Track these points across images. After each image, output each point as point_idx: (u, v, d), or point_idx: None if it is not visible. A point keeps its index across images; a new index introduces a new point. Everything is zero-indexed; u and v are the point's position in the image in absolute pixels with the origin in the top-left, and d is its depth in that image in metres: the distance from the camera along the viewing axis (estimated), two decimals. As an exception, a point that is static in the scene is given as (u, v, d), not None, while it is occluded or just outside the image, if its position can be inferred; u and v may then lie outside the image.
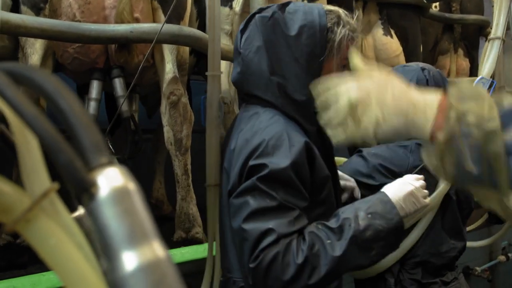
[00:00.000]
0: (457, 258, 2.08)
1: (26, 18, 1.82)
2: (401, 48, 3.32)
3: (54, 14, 2.21)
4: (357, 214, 1.30)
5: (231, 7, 2.68)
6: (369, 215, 1.30)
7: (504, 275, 3.80)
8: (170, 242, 2.44)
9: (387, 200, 1.36)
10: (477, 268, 3.35)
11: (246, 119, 1.45)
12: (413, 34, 3.43)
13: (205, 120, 1.76)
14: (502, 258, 3.69)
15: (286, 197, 1.27)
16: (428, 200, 1.48)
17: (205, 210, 2.76)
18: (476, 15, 3.99)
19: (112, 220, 0.36)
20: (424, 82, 2.00)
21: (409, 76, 2.02)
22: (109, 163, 0.37)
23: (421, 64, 2.10)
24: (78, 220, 0.39)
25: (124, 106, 2.36)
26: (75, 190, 0.36)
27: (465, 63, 4.11)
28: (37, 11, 2.17)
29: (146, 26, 2.13)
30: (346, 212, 1.32)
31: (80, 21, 2.18)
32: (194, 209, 2.49)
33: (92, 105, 2.37)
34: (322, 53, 1.42)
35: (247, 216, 1.27)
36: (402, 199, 1.38)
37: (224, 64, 2.73)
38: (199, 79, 3.60)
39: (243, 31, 1.48)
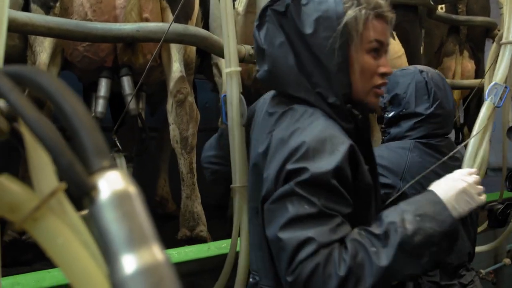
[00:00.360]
0: (471, 258, 2.06)
1: (32, 16, 1.83)
2: (403, 50, 3.32)
3: (66, 12, 2.23)
4: (403, 217, 1.16)
5: (233, 7, 2.68)
6: (418, 218, 1.16)
7: (509, 278, 3.79)
8: (174, 240, 2.45)
9: (437, 201, 1.22)
10: (482, 271, 3.35)
11: (278, 115, 1.33)
12: (414, 35, 3.43)
13: (227, 119, 1.71)
14: (507, 261, 3.68)
15: (327, 204, 1.15)
16: (484, 197, 1.31)
17: (209, 209, 2.77)
18: (483, 17, 3.98)
19: (112, 223, 0.36)
20: (423, 84, 2.00)
21: (407, 80, 2.02)
22: (111, 167, 0.37)
23: (419, 67, 2.09)
24: (85, 219, 0.39)
25: (131, 104, 2.38)
26: (76, 194, 0.36)
27: (470, 65, 4.10)
28: (47, 10, 2.19)
29: (152, 25, 2.14)
30: (390, 215, 1.18)
31: (91, 20, 2.20)
32: (198, 208, 2.50)
33: (101, 103, 2.39)
34: (343, 43, 1.27)
35: (285, 223, 1.15)
36: (454, 198, 1.23)
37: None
38: (201, 78, 3.62)
39: (259, 27, 1.37)
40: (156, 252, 0.36)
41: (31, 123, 0.36)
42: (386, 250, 1.12)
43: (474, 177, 1.31)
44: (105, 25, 2.06)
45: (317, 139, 1.20)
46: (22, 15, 1.80)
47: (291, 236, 1.13)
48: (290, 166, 1.18)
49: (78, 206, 0.41)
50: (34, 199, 0.40)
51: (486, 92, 1.97)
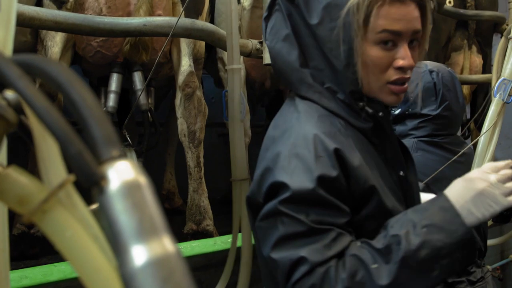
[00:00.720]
0: (483, 254, 2.05)
1: (40, 10, 1.83)
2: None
3: (80, 8, 2.25)
4: (408, 228, 1.03)
5: (239, 1, 2.68)
6: (425, 229, 1.02)
7: (515, 274, 3.78)
8: (181, 234, 2.45)
9: (448, 207, 1.05)
10: (488, 267, 3.33)
11: (285, 107, 1.24)
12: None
13: (227, 115, 1.72)
14: (513, 257, 3.66)
15: (318, 218, 1.05)
16: None
17: (216, 204, 2.77)
18: (491, 11, 3.95)
19: (121, 214, 0.35)
20: (432, 85, 1.96)
21: (416, 79, 1.97)
22: (120, 156, 0.37)
23: (430, 65, 2.04)
24: (95, 212, 0.39)
25: (142, 99, 2.40)
26: (85, 183, 0.36)
27: (478, 60, 4.07)
28: (59, 5, 2.20)
29: (159, 20, 2.13)
30: (396, 225, 1.05)
31: (106, 16, 2.22)
32: (205, 202, 2.50)
33: (112, 97, 2.41)
34: (348, 35, 1.10)
35: (275, 243, 1.07)
36: (470, 202, 1.05)
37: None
38: (207, 73, 3.64)
39: (267, 18, 1.23)
40: (167, 244, 0.36)
41: (40, 111, 0.35)
42: (388, 267, 1.01)
43: (500, 174, 1.09)
44: (112, 19, 2.06)
45: (301, 143, 1.10)
46: (29, 9, 1.80)
47: (283, 256, 1.05)
48: (273, 179, 1.09)
49: (87, 199, 0.40)
50: (43, 191, 0.39)
51: (495, 88, 1.95)
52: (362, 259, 1.02)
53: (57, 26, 1.87)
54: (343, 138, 1.13)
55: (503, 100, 1.93)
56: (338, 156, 1.09)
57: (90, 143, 0.36)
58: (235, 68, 1.73)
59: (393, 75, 1.13)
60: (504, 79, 1.94)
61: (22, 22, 1.76)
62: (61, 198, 0.39)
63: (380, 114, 1.18)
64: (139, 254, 0.35)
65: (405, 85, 1.16)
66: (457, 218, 1.04)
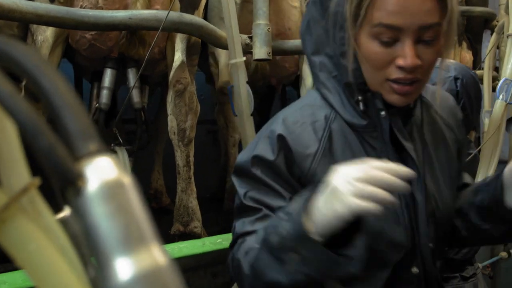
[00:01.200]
0: (476, 252, 2.06)
1: (20, 2, 1.75)
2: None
3: None
4: (279, 212, 0.97)
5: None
6: (284, 215, 0.94)
7: (505, 272, 3.77)
8: (168, 235, 2.39)
9: (305, 197, 0.92)
10: (479, 264, 3.32)
11: None
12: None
13: (235, 110, 1.72)
14: (503, 254, 3.64)
15: (254, 196, 1.06)
16: (364, 203, 0.82)
17: (204, 202, 2.71)
18: (482, 7, 3.93)
19: (102, 219, 0.29)
20: (454, 93, 1.91)
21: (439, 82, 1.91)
22: (100, 151, 0.31)
23: (455, 71, 1.93)
24: (64, 222, 0.33)
25: (136, 98, 2.35)
26: (58, 183, 0.30)
27: (468, 56, 4.06)
28: None
29: (145, 13, 2.07)
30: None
31: (102, 8, 2.18)
32: (194, 203, 2.44)
33: (105, 93, 2.36)
34: (336, 23, 1.03)
35: (234, 212, 1.14)
36: (324, 195, 0.87)
37: (223, 54, 2.68)
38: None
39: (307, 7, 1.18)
40: (157, 254, 0.30)
41: (3, 96, 0.29)
42: (258, 248, 0.99)
43: (365, 172, 0.84)
44: (97, 12, 1.99)
45: (267, 124, 1.15)
46: (8, 1, 1.72)
47: (233, 224, 1.13)
48: None
49: (56, 206, 0.34)
50: (2, 197, 0.33)
51: (497, 89, 1.92)
52: (258, 238, 1.01)
53: (38, 19, 1.79)
54: (310, 130, 1.08)
55: (505, 101, 1.89)
56: (282, 141, 1.08)
57: (64, 136, 0.30)
58: (238, 62, 1.71)
59: (393, 73, 0.99)
60: (506, 79, 1.90)
61: (1, 14, 1.69)
62: (24, 205, 0.32)
63: (382, 113, 1.05)
64: (125, 267, 0.30)
65: (412, 86, 1.01)
66: (300, 210, 0.90)
